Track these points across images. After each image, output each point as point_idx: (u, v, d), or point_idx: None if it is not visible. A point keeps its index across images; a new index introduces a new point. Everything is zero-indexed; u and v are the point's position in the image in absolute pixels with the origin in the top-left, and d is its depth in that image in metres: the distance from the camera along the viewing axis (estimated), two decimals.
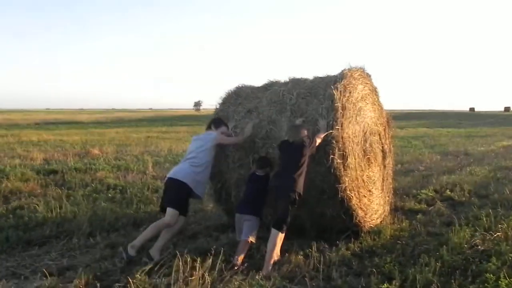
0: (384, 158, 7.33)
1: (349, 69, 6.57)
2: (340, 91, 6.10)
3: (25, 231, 6.47)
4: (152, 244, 5.63)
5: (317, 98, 6.17)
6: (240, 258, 5.34)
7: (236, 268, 5.04)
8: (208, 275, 4.58)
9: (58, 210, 7.44)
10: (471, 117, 67.12)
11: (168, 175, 6.00)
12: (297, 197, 5.37)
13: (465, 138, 26.60)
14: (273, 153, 6.08)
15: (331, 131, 5.79)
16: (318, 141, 5.67)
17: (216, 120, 6.45)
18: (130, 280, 4.56)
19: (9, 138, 24.41)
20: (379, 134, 7.20)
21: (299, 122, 5.99)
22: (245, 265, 5.16)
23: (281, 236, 5.30)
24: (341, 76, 6.34)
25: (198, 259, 4.86)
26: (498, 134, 30.28)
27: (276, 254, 5.30)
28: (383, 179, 7.25)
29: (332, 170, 5.74)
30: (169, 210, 5.69)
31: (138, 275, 4.71)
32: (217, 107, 7.10)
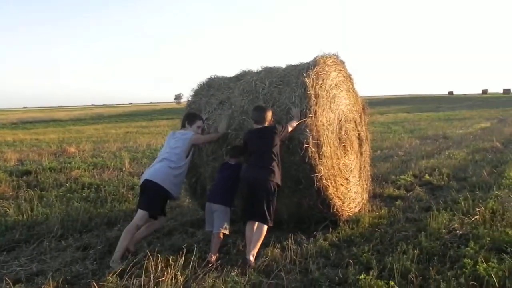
0: (360, 145, 7.23)
1: (322, 56, 6.44)
2: (313, 79, 5.98)
3: None
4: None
5: (290, 87, 6.04)
6: (214, 253, 5.21)
7: (210, 265, 4.91)
8: (181, 274, 4.45)
9: (29, 213, 7.22)
10: (450, 101, 67.65)
11: (145, 177, 5.76)
12: (274, 187, 5.26)
13: (444, 121, 26.79)
14: (241, 141, 5.92)
15: (304, 119, 5.67)
16: (290, 128, 5.54)
17: (190, 116, 6.23)
18: (102, 283, 4.43)
19: None
20: (355, 121, 7.09)
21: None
22: (219, 261, 5.05)
23: (266, 227, 5.21)
24: (313, 63, 6.21)
25: (171, 258, 4.73)
26: (476, 117, 30.55)
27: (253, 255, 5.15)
28: (360, 167, 7.15)
29: (307, 160, 5.61)
30: (140, 212, 5.54)
31: (109, 277, 4.56)
32: (189, 99, 6.98)
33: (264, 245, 5.34)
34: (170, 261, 4.65)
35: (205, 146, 6.31)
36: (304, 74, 5.97)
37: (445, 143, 15.42)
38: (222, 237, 5.38)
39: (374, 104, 50.36)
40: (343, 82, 6.84)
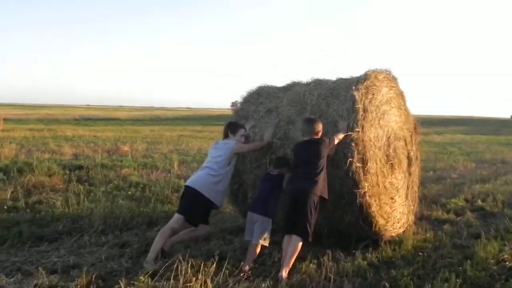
0: (409, 165, 6.98)
1: (373, 71, 6.32)
2: (362, 92, 5.87)
3: (39, 226, 6.45)
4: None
5: (338, 99, 5.95)
6: (249, 263, 5.13)
7: (242, 274, 4.83)
8: (211, 280, 4.39)
9: (76, 206, 7.39)
10: (511, 125, 65.16)
11: (186, 182, 5.84)
12: (318, 200, 5.15)
13: (504, 146, 25.72)
14: (290, 154, 5.85)
15: (350, 133, 5.55)
16: (337, 141, 5.44)
17: (232, 125, 6.22)
18: (133, 282, 4.43)
19: (45, 132, 24.81)
20: (405, 140, 6.86)
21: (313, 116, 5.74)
22: (250, 272, 4.97)
23: (301, 243, 5.07)
24: (364, 77, 6.10)
25: (202, 264, 4.67)
26: None
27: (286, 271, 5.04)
28: (407, 187, 6.90)
29: (350, 174, 5.48)
30: (176, 215, 5.59)
31: (141, 277, 4.56)
32: (238, 105, 6.99)
33: (301, 259, 5.22)
34: (202, 267, 4.58)
35: (249, 153, 6.27)
36: (353, 88, 5.86)
37: (503, 168, 14.78)
38: (259, 248, 5.30)
39: (432, 123, 49.22)
40: (394, 98, 6.66)
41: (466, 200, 9.18)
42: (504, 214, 8.01)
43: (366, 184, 5.61)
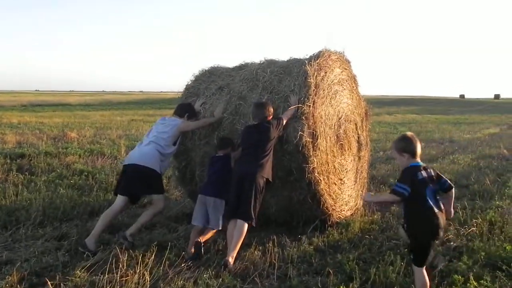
0: (359, 149, 6.96)
1: (327, 50, 6.28)
2: (315, 69, 5.85)
3: None
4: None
5: (291, 76, 5.91)
6: (203, 239, 5.08)
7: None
8: (150, 273, 4.20)
9: (14, 198, 7.01)
10: (461, 104, 66.89)
11: (131, 161, 5.60)
12: (264, 183, 5.06)
13: (452, 125, 26.33)
14: (240, 130, 5.79)
15: (301, 105, 5.51)
16: (286, 119, 5.38)
17: (179, 110, 6.09)
18: (69, 277, 4.22)
19: None
20: (356, 124, 6.85)
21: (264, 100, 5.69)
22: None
23: (246, 225, 4.95)
24: (317, 55, 6.08)
25: (140, 255, 4.46)
26: (486, 122, 30.08)
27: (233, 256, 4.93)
28: (356, 171, 6.87)
29: (300, 148, 5.41)
30: (120, 198, 5.49)
31: (78, 271, 4.33)
32: (189, 83, 6.83)
33: (246, 246, 5.10)
34: (140, 258, 4.38)
35: (198, 130, 6.14)
36: (306, 63, 5.83)
37: (450, 147, 15.06)
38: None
39: (383, 103, 50.07)
40: (346, 81, 6.65)
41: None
42: None
43: (316, 160, 5.56)
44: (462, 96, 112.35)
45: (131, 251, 4.64)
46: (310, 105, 5.58)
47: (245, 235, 4.96)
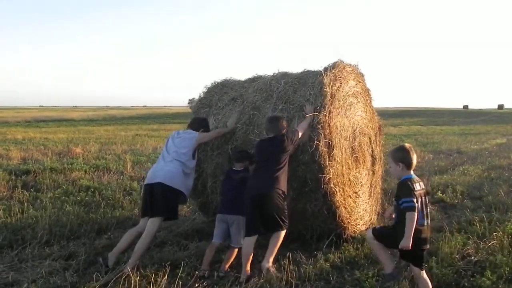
0: (373, 164, 6.84)
1: (342, 61, 6.21)
2: (331, 79, 5.78)
3: None
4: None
5: (306, 86, 5.83)
6: (227, 266, 4.99)
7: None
8: None
9: (19, 215, 6.86)
10: (465, 115, 66.64)
11: (156, 179, 5.34)
12: (282, 194, 4.97)
13: (458, 136, 26.13)
14: (254, 140, 5.71)
15: (317, 113, 5.42)
16: (301, 131, 5.26)
17: (194, 124, 5.96)
18: None
19: None
20: (369, 138, 6.75)
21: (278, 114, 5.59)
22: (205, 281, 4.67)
23: (284, 232, 4.99)
24: (332, 66, 6.00)
25: (153, 274, 4.30)
26: (491, 132, 29.85)
27: (247, 272, 4.81)
28: (371, 185, 6.73)
29: (316, 158, 5.30)
30: (156, 219, 5.26)
31: None
32: (201, 95, 6.77)
33: (259, 263, 4.93)
34: (153, 278, 4.22)
35: (211, 140, 6.04)
36: (322, 72, 5.77)
37: (459, 159, 14.87)
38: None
39: (388, 115, 49.79)
40: (361, 94, 6.57)
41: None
42: (464, 205, 7.93)
43: (331, 171, 5.45)
44: (465, 106, 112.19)
45: (142, 271, 4.47)
46: (326, 115, 5.48)
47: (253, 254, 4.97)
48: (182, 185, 5.39)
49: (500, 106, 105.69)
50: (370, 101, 6.93)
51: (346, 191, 5.87)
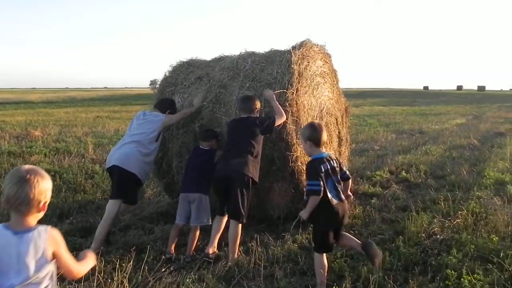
0: (339, 145, 6.82)
1: (309, 41, 6.13)
2: (298, 57, 5.70)
3: None
4: None
5: (273, 64, 5.73)
6: (190, 250, 4.90)
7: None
8: (128, 280, 3.92)
9: None
10: (426, 96, 67.80)
11: (113, 162, 5.27)
12: (250, 181, 4.76)
13: (419, 116, 26.56)
14: (220, 118, 5.63)
15: (285, 90, 5.33)
16: (279, 120, 5.07)
17: (161, 105, 5.82)
18: None
19: None
20: (336, 119, 6.74)
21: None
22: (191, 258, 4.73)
23: (241, 225, 4.77)
24: (300, 45, 5.91)
25: (118, 260, 4.18)
26: (451, 112, 30.43)
27: (213, 248, 4.75)
28: None
29: (284, 136, 5.26)
30: (114, 201, 5.18)
31: None
32: (166, 74, 6.59)
33: (227, 245, 4.85)
34: (117, 264, 4.10)
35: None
36: (290, 51, 5.69)
37: (421, 138, 15.10)
38: (199, 230, 5.05)
39: (349, 96, 50.19)
40: (328, 74, 6.53)
41: (391, 172, 9.17)
42: (428, 184, 8.03)
43: (299, 149, 5.37)
44: (426, 87, 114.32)
45: (106, 256, 4.34)
46: (293, 92, 5.40)
47: (220, 236, 4.89)
48: (137, 168, 5.23)
49: (459, 87, 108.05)
50: (337, 82, 6.91)
51: None
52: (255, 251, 4.67)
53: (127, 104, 46.10)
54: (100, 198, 7.07)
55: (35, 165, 9.00)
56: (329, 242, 4.04)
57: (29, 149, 11.51)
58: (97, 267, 4.07)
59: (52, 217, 6.08)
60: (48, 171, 8.45)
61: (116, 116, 26.81)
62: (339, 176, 4.12)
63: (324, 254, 4.06)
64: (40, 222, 5.88)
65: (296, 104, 5.45)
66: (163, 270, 4.28)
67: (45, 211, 2.47)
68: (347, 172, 4.31)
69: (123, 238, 5.34)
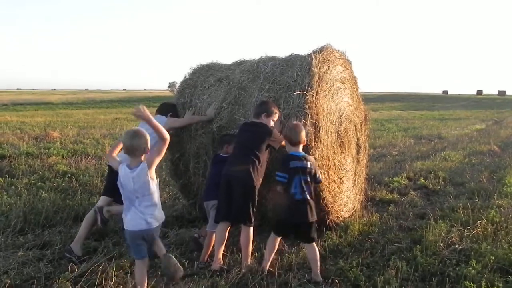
0: (358, 152, 6.72)
1: (330, 46, 6.06)
2: (319, 60, 5.62)
3: None
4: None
5: (293, 68, 5.68)
6: (206, 256, 4.87)
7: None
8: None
9: None
10: (445, 100, 67.16)
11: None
12: (254, 186, 4.66)
13: (438, 121, 26.29)
14: (239, 120, 5.60)
15: (303, 92, 5.25)
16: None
17: (162, 109, 5.84)
18: None
19: None
20: (355, 125, 6.63)
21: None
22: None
23: (251, 229, 4.69)
24: (321, 48, 5.84)
25: (129, 266, 4.16)
26: (471, 118, 30.09)
27: (219, 261, 4.69)
28: (355, 173, 6.60)
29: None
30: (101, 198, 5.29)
31: (62, 284, 4.02)
32: (186, 76, 6.60)
33: (240, 252, 4.79)
34: (129, 269, 4.08)
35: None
36: (311, 54, 5.65)
37: (440, 144, 14.91)
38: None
39: (367, 100, 49.89)
40: (348, 81, 6.43)
41: (409, 178, 9.05)
42: (446, 192, 7.91)
43: (317, 152, 5.29)
44: (445, 92, 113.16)
45: (119, 261, 4.31)
46: (313, 95, 5.32)
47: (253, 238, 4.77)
48: None
49: (479, 92, 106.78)
50: (357, 89, 6.79)
51: (331, 175, 5.75)
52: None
53: (146, 106, 46.34)
54: None
55: (52, 166, 9.13)
56: (282, 231, 4.56)
57: (47, 150, 11.57)
58: (109, 272, 4.05)
59: (67, 220, 6.10)
60: (64, 173, 8.61)
61: (134, 118, 26.88)
62: (309, 177, 4.40)
63: (276, 237, 4.57)
64: (54, 224, 5.86)
65: (316, 107, 5.36)
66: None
67: (148, 152, 3.79)
68: (320, 178, 4.63)
69: None
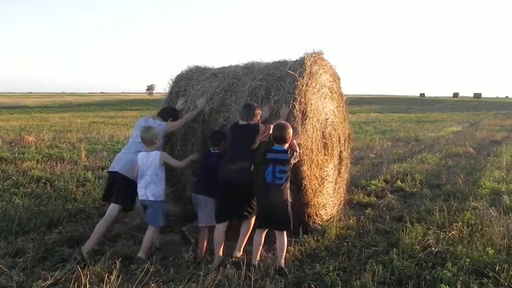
0: (340, 164, 6.72)
1: (321, 52, 6.23)
2: (311, 60, 5.87)
3: None
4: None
5: (286, 65, 5.88)
6: (202, 250, 5.09)
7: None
8: None
9: None
10: (422, 103, 67.92)
11: (116, 168, 5.46)
12: (250, 182, 4.97)
13: (415, 123, 26.53)
14: (229, 105, 5.82)
15: (295, 74, 5.53)
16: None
17: (163, 113, 5.89)
18: None
19: None
20: (339, 137, 6.72)
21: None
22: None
23: (253, 219, 5.05)
24: (313, 52, 6.05)
25: (106, 272, 4.08)
26: (447, 120, 30.44)
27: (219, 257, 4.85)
28: (335, 183, 6.60)
29: (291, 118, 5.30)
30: (115, 206, 5.40)
31: None
32: (182, 71, 6.74)
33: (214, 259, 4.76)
34: (105, 276, 4.00)
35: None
36: (305, 53, 5.91)
37: (417, 146, 15.06)
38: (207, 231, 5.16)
39: (346, 102, 50.31)
40: (336, 93, 6.65)
41: (386, 181, 9.10)
42: (423, 194, 7.97)
43: (302, 139, 5.36)
44: (422, 94, 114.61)
45: (93, 268, 4.24)
46: (303, 85, 5.49)
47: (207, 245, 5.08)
48: (134, 175, 5.32)
49: (455, 94, 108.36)
50: (343, 106, 6.96)
51: (313, 169, 5.75)
52: (245, 263, 4.56)
53: (123, 109, 45.98)
54: (91, 206, 6.96)
55: (27, 172, 8.97)
56: (263, 221, 4.86)
57: (21, 155, 11.38)
58: (83, 280, 3.97)
59: (41, 227, 5.97)
60: (39, 178, 8.45)
61: (112, 121, 26.69)
62: (287, 168, 4.76)
63: (263, 233, 4.90)
64: (27, 231, 5.75)
65: (305, 96, 5.53)
66: (151, 284, 4.17)
67: (157, 144, 5.21)
68: (296, 155, 4.89)
69: (111, 248, 5.23)
